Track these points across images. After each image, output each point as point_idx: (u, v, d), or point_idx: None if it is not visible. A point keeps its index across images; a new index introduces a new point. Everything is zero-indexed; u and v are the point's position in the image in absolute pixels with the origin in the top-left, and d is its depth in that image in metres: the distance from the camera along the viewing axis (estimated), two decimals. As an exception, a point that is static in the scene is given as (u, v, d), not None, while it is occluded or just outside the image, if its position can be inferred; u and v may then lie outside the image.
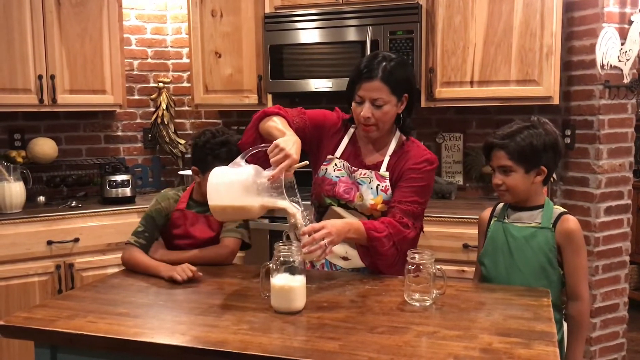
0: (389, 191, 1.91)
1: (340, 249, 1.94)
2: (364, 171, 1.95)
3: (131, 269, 2.00)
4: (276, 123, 1.87)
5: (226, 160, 1.90)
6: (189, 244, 2.09)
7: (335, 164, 1.98)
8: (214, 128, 2.15)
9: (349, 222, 1.81)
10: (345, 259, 1.95)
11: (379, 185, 1.92)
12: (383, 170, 1.94)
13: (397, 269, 1.86)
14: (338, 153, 2.01)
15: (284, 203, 1.70)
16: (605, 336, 3.10)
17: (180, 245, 2.10)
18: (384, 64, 1.86)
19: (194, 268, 1.86)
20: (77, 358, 1.50)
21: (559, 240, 1.78)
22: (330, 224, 1.71)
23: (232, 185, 1.67)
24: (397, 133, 1.99)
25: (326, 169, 1.99)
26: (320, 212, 2.01)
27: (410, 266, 1.60)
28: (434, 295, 1.61)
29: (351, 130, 2.03)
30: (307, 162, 1.79)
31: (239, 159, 1.75)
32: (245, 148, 1.87)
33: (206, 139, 2.10)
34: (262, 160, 1.78)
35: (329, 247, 1.68)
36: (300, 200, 1.74)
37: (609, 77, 2.98)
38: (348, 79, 1.94)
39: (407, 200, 1.88)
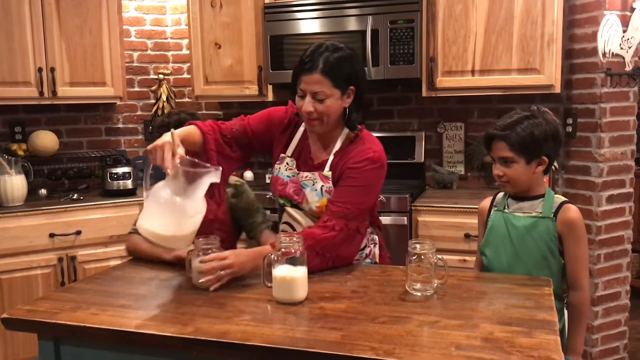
0: (333, 191, 1.84)
1: None
2: (305, 174, 1.88)
3: (136, 256, 2.03)
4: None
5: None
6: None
7: (287, 163, 1.92)
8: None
9: (259, 251, 1.74)
10: None
11: (323, 186, 1.84)
12: (326, 170, 1.85)
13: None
14: (289, 151, 1.93)
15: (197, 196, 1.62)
16: (607, 324, 3.11)
17: None
18: (326, 54, 1.75)
19: None
20: (80, 350, 1.50)
21: (560, 230, 1.78)
22: (235, 256, 1.67)
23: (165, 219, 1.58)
24: (345, 129, 1.88)
25: (279, 167, 1.93)
26: (280, 210, 1.99)
27: (411, 256, 1.60)
28: (436, 285, 1.61)
29: (302, 127, 1.94)
30: (216, 168, 1.64)
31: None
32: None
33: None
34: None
35: (225, 279, 1.65)
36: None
37: (611, 65, 2.96)
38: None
39: (339, 201, 1.79)
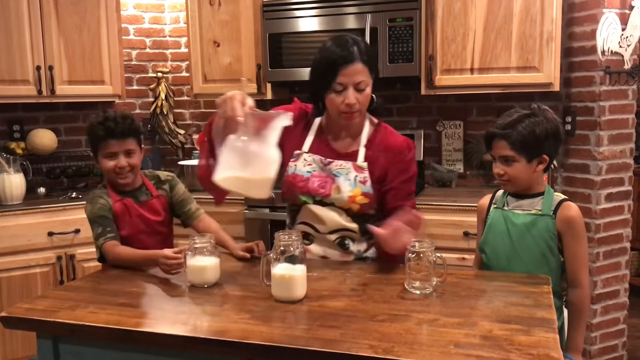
0: (368, 183, 1.83)
1: (317, 249, 1.90)
2: (339, 162, 1.86)
3: (123, 265, 1.92)
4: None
5: (106, 137, 1.98)
6: (145, 228, 2.08)
7: (305, 159, 1.89)
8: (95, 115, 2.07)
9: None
10: (323, 257, 1.91)
11: (357, 176, 1.83)
12: (360, 160, 1.85)
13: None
14: (306, 147, 1.91)
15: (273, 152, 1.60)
16: (605, 322, 3.11)
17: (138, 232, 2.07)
18: (357, 44, 1.77)
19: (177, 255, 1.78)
20: (79, 348, 1.50)
21: (559, 227, 1.78)
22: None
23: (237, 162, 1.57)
24: (367, 117, 1.90)
25: (295, 165, 1.89)
26: (293, 210, 1.94)
27: (410, 254, 1.60)
28: (434, 282, 1.61)
29: (316, 121, 1.93)
30: (287, 113, 1.65)
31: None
32: (201, 146, 1.85)
33: (89, 124, 2.06)
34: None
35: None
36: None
37: (610, 63, 2.96)
38: (315, 70, 1.82)
39: (404, 200, 1.86)
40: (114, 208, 2.04)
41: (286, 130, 1.82)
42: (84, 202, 2.09)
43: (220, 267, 1.72)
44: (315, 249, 1.90)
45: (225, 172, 1.58)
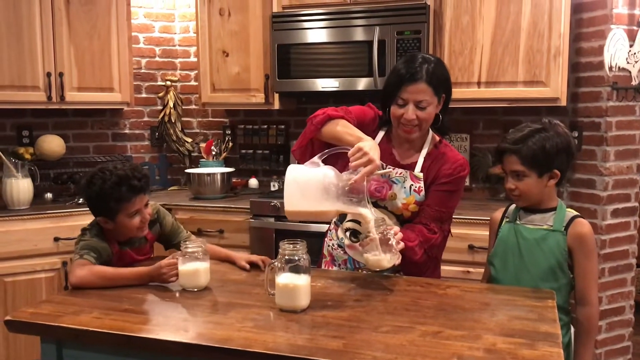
0: (422, 192, 1.90)
1: None
2: (399, 170, 1.93)
3: (96, 287, 1.75)
4: (347, 127, 1.85)
5: (130, 197, 1.83)
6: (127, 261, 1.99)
7: None
8: (98, 168, 1.93)
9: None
10: None
11: (412, 185, 1.90)
12: (417, 171, 1.92)
13: (429, 274, 1.90)
14: None
15: (364, 210, 1.68)
16: (610, 339, 3.09)
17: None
18: (426, 65, 1.84)
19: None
20: (83, 353, 1.50)
21: (570, 244, 1.77)
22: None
23: (310, 187, 1.64)
24: (430, 133, 1.97)
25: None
26: None
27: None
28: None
29: (383, 131, 2.01)
30: (390, 170, 1.82)
31: (316, 159, 1.71)
32: (300, 152, 1.90)
33: (98, 188, 1.87)
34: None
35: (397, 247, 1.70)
36: (372, 208, 1.73)
37: (617, 78, 2.96)
38: (386, 81, 1.92)
39: (435, 205, 1.89)
40: (113, 259, 1.92)
41: (365, 130, 1.92)
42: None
43: (224, 276, 1.73)
44: None
45: (304, 206, 1.67)
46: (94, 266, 1.79)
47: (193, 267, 1.73)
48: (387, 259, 1.67)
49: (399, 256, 1.71)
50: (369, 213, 1.68)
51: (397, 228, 1.78)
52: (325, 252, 2.11)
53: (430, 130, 1.97)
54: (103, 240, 1.90)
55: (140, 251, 2.02)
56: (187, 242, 1.75)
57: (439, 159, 1.94)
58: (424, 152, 1.95)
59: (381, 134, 2.01)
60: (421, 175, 1.92)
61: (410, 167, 1.94)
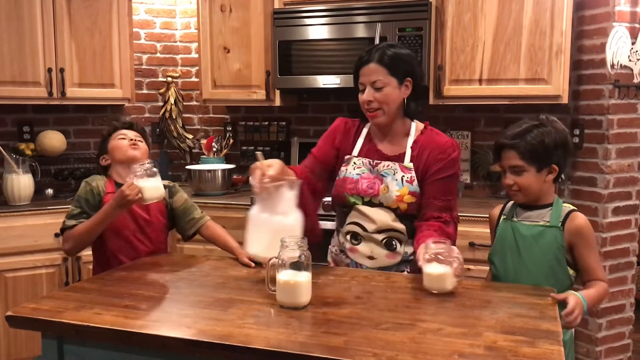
0: (415, 182, 1.90)
1: (365, 248, 1.94)
2: (386, 163, 1.94)
3: (85, 245, 2.06)
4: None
5: (118, 126, 2.16)
6: (133, 226, 2.08)
7: (354, 163, 1.98)
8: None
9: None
10: (371, 258, 1.94)
11: (403, 176, 1.91)
12: (407, 161, 1.93)
13: None
14: (355, 151, 2.01)
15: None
16: (611, 337, 3.09)
17: (124, 227, 2.08)
18: (379, 49, 1.88)
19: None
20: (84, 349, 1.51)
21: (568, 238, 1.77)
22: None
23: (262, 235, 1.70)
24: (414, 123, 1.98)
25: (346, 169, 1.99)
26: (345, 212, 2.00)
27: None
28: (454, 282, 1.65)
29: (366, 127, 2.03)
30: (293, 179, 1.77)
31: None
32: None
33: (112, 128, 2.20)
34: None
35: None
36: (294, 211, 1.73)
37: (619, 76, 2.96)
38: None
39: (440, 195, 1.89)
40: (104, 199, 2.05)
41: (340, 144, 2.03)
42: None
43: (225, 272, 1.73)
44: (363, 248, 1.95)
45: (257, 249, 1.74)
46: (73, 230, 2.01)
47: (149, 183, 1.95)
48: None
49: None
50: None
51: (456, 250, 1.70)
52: (329, 258, 2.12)
53: (414, 120, 1.98)
54: (103, 178, 2.13)
55: (141, 205, 2.06)
56: (134, 166, 1.94)
57: (426, 145, 1.93)
58: (410, 141, 1.95)
59: (364, 133, 2.03)
60: (411, 165, 1.92)
61: (399, 158, 1.94)
